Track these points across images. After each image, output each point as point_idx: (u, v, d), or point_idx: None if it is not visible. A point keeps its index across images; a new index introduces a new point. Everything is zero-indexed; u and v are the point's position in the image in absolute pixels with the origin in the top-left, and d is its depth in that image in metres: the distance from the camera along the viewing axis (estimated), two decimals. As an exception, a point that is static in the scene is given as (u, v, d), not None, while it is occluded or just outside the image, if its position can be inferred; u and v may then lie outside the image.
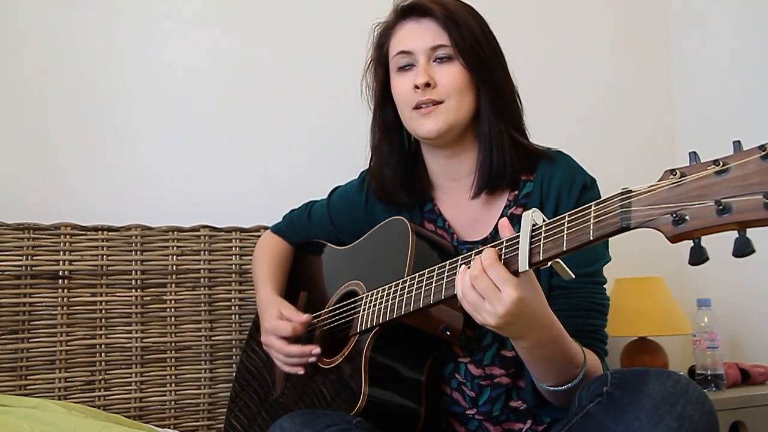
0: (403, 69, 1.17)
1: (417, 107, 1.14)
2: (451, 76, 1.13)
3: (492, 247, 0.91)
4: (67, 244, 1.54)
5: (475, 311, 0.90)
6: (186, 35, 1.79)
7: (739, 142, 0.68)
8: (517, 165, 1.17)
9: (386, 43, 1.21)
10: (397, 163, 1.23)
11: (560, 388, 1.00)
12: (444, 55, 1.14)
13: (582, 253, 1.05)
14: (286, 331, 1.25)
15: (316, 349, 1.22)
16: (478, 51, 1.13)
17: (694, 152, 0.72)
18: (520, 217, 0.89)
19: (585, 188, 1.14)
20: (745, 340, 2.11)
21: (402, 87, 1.17)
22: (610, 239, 1.13)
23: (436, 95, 1.13)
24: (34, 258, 1.51)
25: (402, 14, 1.19)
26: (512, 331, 0.93)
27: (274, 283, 1.41)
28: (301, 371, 1.24)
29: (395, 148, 1.23)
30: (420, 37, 1.15)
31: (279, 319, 1.28)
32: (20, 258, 1.50)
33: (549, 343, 0.96)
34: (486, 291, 0.88)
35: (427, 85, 1.13)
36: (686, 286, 2.14)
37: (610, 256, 1.15)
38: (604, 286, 1.15)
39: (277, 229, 1.50)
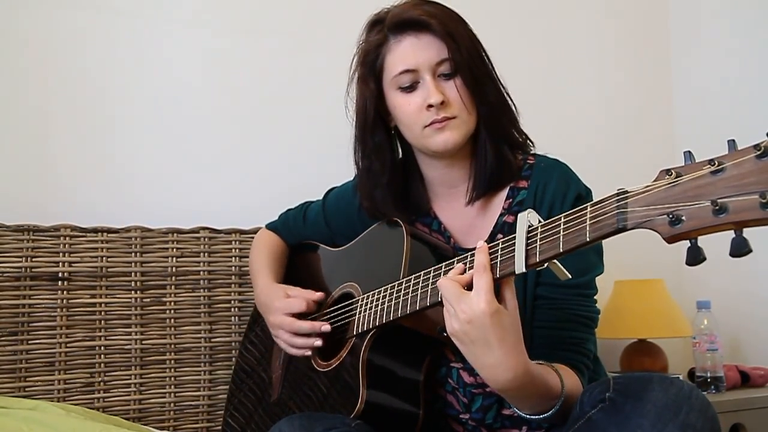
0: (407, 89, 1.14)
1: (430, 124, 1.12)
2: (461, 91, 1.12)
3: (489, 247, 0.91)
4: (66, 245, 1.54)
5: (448, 305, 0.90)
6: (186, 37, 1.79)
7: (733, 141, 0.68)
8: (511, 171, 1.17)
9: (378, 61, 1.17)
10: (389, 183, 1.21)
11: (537, 416, 0.97)
12: (448, 70, 1.12)
13: (573, 262, 1.02)
14: (300, 307, 1.23)
15: (326, 326, 1.20)
16: (472, 62, 1.12)
17: (689, 152, 0.71)
18: (514, 224, 0.88)
19: (579, 198, 1.12)
20: (745, 342, 2.11)
21: (411, 107, 1.13)
22: (606, 246, 1.14)
23: (449, 112, 1.12)
24: (34, 259, 1.51)
25: (396, 29, 1.15)
26: (470, 354, 0.90)
27: (273, 274, 1.40)
28: (308, 353, 1.22)
29: (387, 167, 1.21)
30: (422, 53, 1.12)
31: (287, 298, 1.27)
32: (20, 259, 1.50)
33: (518, 388, 0.92)
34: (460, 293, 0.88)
35: (442, 103, 1.11)
36: (686, 288, 2.14)
37: (603, 268, 1.14)
38: (594, 297, 1.13)
39: (272, 227, 1.50)
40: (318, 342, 1.21)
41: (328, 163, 1.82)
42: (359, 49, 1.21)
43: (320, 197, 1.45)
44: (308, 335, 1.22)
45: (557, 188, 1.13)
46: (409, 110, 1.14)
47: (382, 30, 1.16)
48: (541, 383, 0.94)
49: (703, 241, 0.70)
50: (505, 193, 1.18)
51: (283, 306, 1.26)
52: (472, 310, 0.86)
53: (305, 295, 1.25)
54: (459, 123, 1.12)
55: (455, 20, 1.14)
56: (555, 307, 1.09)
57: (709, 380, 1.85)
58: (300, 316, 1.25)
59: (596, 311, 1.13)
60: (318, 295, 1.24)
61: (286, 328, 1.24)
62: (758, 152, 0.65)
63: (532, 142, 1.21)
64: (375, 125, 1.20)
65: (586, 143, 2.12)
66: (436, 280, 1.00)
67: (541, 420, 0.98)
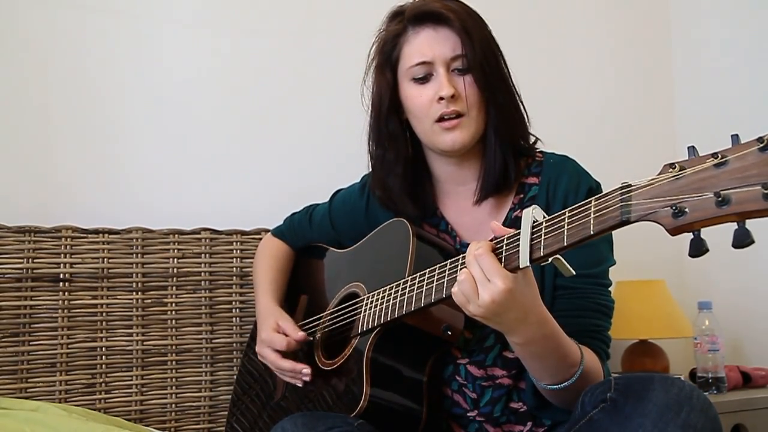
0: (420, 80, 1.15)
1: (440, 119, 1.13)
2: (473, 88, 1.12)
3: (494, 243, 0.91)
4: (67, 246, 1.54)
5: (466, 300, 0.91)
6: (187, 38, 1.80)
7: (737, 135, 0.69)
8: (520, 170, 1.18)
9: (395, 51, 1.18)
10: (404, 172, 1.22)
11: (557, 386, 0.99)
12: (462, 66, 1.13)
13: (587, 255, 1.06)
14: (280, 345, 1.25)
15: (306, 369, 1.22)
16: (486, 62, 1.13)
17: (693, 146, 0.72)
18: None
19: (591, 192, 1.13)
20: (747, 342, 2.11)
21: (422, 98, 1.14)
22: (613, 243, 1.15)
23: (459, 107, 1.12)
24: (35, 261, 1.51)
25: (415, 21, 1.16)
26: (499, 323, 0.93)
27: (275, 291, 1.41)
28: (298, 384, 1.25)
29: (401, 156, 1.22)
30: (439, 45, 1.13)
31: (275, 331, 1.28)
32: (21, 261, 1.50)
33: (542, 340, 0.96)
34: (476, 278, 0.89)
35: (452, 96, 1.11)
36: (687, 289, 2.14)
37: (614, 260, 1.15)
38: (610, 288, 1.15)
39: (278, 233, 1.50)
40: (305, 378, 1.23)
41: (330, 164, 1.83)
42: (378, 38, 1.21)
43: (322, 198, 1.45)
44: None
45: (569, 183, 1.14)
46: (420, 102, 1.15)
47: (402, 20, 1.17)
48: (563, 339, 0.98)
49: (705, 241, 0.70)
50: (514, 189, 1.19)
51: (267, 339, 1.28)
52: (492, 291, 0.88)
53: (290, 332, 1.26)
54: (468, 122, 1.13)
55: (474, 19, 1.15)
56: (575, 296, 1.10)
57: (710, 381, 1.85)
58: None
59: (612, 301, 1.15)
60: (301, 335, 1.25)
61: (269, 362, 1.28)
62: (761, 145, 0.66)
63: (540, 141, 1.22)
64: (389, 114, 1.20)
65: (587, 140, 2.12)
66: (441, 278, 1.01)
67: (561, 389, 0.99)
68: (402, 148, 1.22)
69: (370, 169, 1.28)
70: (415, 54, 1.15)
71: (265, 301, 1.38)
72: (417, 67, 1.14)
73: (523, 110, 1.19)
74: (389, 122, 1.20)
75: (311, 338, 1.29)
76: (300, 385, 1.25)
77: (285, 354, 1.26)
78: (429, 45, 1.14)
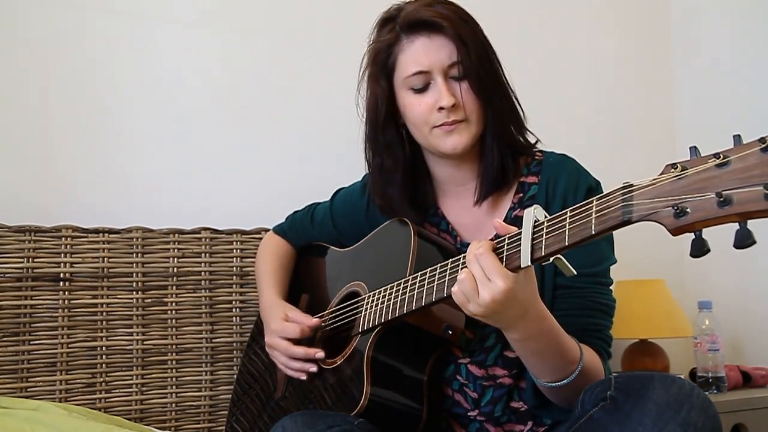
0: (419, 90, 1.14)
1: (440, 125, 1.13)
2: (471, 95, 1.12)
3: (495, 243, 0.91)
4: (68, 246, 1.54)
5: (466, 299, 0.91)
6: (187, 38, 1.80)
7: (739, 135, 0.69)
8: (519, 169, 1.18)
9: (390, 59, 1.17)
10: (403, 180, 1.22)
11: (556, 383, 1.00)
12: (458, 73, 1.12)
13: (587, 253, 1.06)
14: (293, 333, 1.25)
15: (320, 353, 1.21)
16: (482, 67, 1.13)
17: (695, 147, 0.72)
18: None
19: (590, 191, 1.14)
20: (747, 342, 2.11)
21: (421, 107, 1.14)
22: (614, 242, 1.15)
23: (459, 116, 1.12)
24: (35, 260, 1.51)
25: (408, 29, 1.15)
26: (498, 321, 0.94)
27: (278, 286, 1.41)
28: (303, 376, 1.24)
29: (399, 164, 1.21)
30: (435, 54, 1.12)
31: (285, 320, 1.28)
32: (21, 260, 1.50)
33: (540, 336, 0.96)
34: (476, 277, 0.89)
35: (453, 106, 1.11)
36: (687, 289, 2.14)
37: (615, 259, 1.15)
38: (611, 287, 1.15)
39: (279, 230, 1.50)
40: (313, 368, 1.22)
41: (330, 163, 1.83)
42: (370, 47, 1.21)
43: (322, 198, 1.45)
44: (304, 359, 1.24)
45: (568, 182, 1.14)
46: (419, 110, 1.14)
47: (394, 29, 1.16)
48: (561, 336, 0.98)
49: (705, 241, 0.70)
50: (513, 189, 1.19)
51: (278, 329, 1.27)
52: (492, 291, 0.88)
53: (302, 319, 1.26)
54: (467, 126, 1.13)
55: (467, 23, 1.14)
56: (575, 296, 1.11)
57: (710, 380, 1.85)
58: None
59: (613, 300, 1.15)
60: (314, 321, 1.25)
61: (281, 351, 1.26)
62: (763, 145, 0.66)
63: (540, 142, 1.22)
64: (386, 123, 1.20)
65: (587, 140, 2.12)
66: (442, 277, 1.01)
67: (560, 387, 0.99)
68: (400, 155, 1.21)
69: (369, 177, 1.28)
70: (411, 63, 1.14)
71: (269, 295, 1.38)
72: (414, 77, 1.14)
73: (518, 109, 1.19)
74: (386, 131, 1.20)
75: (323, 324, 1.28)
76: (304, 378, 1.24)
77: (295, 342, 1.25)
78: (425, 54, 1.13)
